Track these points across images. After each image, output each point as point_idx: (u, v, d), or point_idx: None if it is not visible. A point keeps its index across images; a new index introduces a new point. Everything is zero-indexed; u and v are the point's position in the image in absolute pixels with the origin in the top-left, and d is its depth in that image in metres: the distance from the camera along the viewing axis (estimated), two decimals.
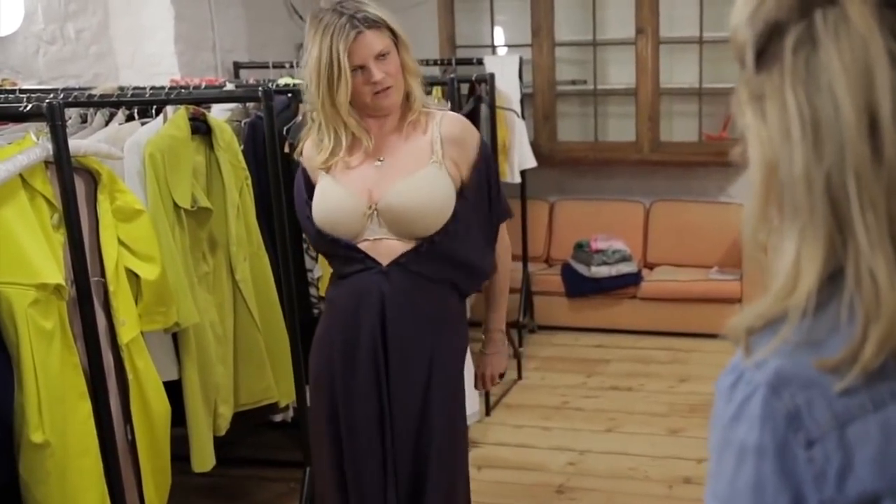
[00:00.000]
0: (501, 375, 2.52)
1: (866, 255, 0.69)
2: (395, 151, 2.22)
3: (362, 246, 2.20)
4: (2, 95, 2.93)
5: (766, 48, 0.74)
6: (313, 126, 2.25)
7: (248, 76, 4.70)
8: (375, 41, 2.13)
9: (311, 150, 2.27)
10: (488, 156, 2.31)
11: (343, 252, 2.23)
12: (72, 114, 2.96)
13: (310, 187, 2.29)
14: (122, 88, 3.19)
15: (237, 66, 4.85)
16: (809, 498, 0.70)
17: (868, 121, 0.68)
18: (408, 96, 2.23)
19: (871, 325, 0.68)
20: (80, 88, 3.37)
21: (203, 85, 3.52)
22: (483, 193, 2.28)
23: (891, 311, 0.68)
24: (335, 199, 2.21)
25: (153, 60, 4.41)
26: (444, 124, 2.24)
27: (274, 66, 4.69)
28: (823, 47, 0.70)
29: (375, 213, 2.18)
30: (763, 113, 0.74)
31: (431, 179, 2.18)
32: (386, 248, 2.20)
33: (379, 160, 2.22)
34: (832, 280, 0.71)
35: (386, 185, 2.18)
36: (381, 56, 2.13)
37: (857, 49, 0.69)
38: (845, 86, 0.69)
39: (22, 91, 3.12)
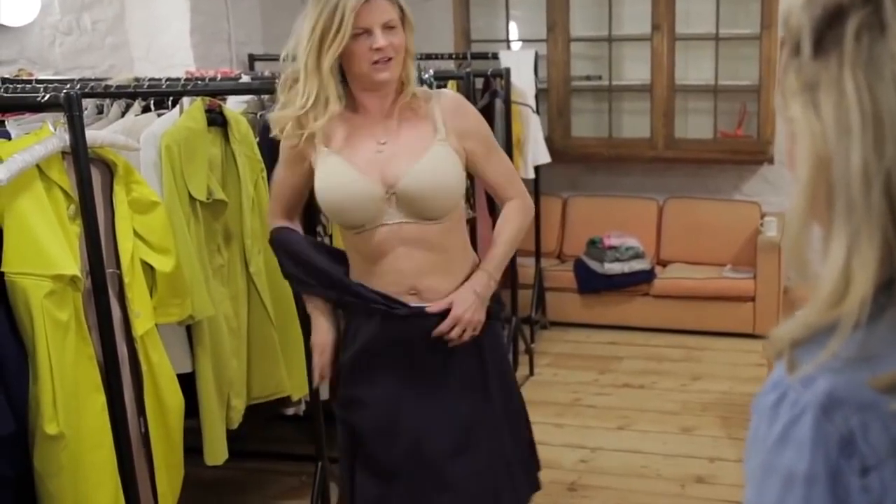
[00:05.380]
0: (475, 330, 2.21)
1: None
2: (395, 134, 2.16)
3: (381, 232, 2.15)
4: (19, 86, 2.92)
5: (824, 34, 0.68)
6: (286, 93, 2.14)
7: (263, 68, 4.68)
8: (387, 9, 2.09)
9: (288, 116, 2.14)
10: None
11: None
12: (88, 105, 2.94)
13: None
14: (137, 79, 3.19)
15: (252, 59, 4.85)
16: None
17: None
18: (402, 80, 2.17)
19: None
20: (96, 79, 3.37)
21: (218, 77, 3.51)
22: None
23: None
24: (347, 180, 2.13)
25: (168, 52, 4.41)
26: (443, 101, 2.20)
27: None
28: (893, 34, 0.65)
29: (394, 197, 2.13)
30: (816, 104, 0.68)
31: (442, 158, 2.14)
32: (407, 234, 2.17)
33: (381, 143, 2.16)
34: (886, 289, 0.66)
35: (396, 169, 2.12)
36: (388, 26, 2.09)
37: None
38: None
39: (38, 81, 3.12)
